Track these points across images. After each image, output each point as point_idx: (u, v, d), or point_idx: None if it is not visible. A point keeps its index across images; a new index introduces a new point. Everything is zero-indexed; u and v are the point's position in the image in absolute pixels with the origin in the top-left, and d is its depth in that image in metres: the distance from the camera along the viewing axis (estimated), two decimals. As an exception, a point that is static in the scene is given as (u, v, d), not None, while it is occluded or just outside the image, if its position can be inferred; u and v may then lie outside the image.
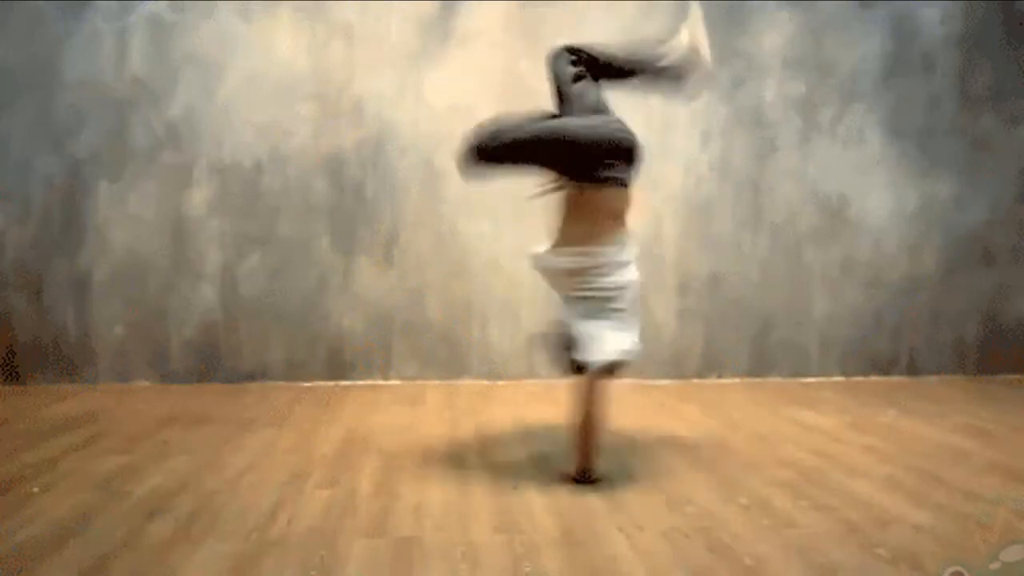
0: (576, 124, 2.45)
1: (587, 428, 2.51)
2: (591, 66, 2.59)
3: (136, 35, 3.94)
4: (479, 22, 4.09)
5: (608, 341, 2.47)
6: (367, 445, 2.93)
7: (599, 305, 2.51)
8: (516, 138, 2.44)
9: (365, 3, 4.03)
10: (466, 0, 4.09)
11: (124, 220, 4.00)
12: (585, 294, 2.51)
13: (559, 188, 2.54)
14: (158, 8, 3.93)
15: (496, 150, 2.46)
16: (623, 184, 2.46)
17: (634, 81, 2.67)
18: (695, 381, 4.32)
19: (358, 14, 4.03)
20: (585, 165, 2.42)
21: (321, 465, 2.67)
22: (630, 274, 2.55)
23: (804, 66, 4.30)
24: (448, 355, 4.21)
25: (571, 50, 2.60)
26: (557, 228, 2.56)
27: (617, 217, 2.49)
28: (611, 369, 2.49)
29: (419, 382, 4.17)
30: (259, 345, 4.11)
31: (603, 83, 2.62)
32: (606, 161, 2.40)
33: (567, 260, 2.52)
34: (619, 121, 2.48)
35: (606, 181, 2.42)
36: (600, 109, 2.54)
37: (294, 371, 4.13)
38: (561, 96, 2.59)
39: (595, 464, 2.52)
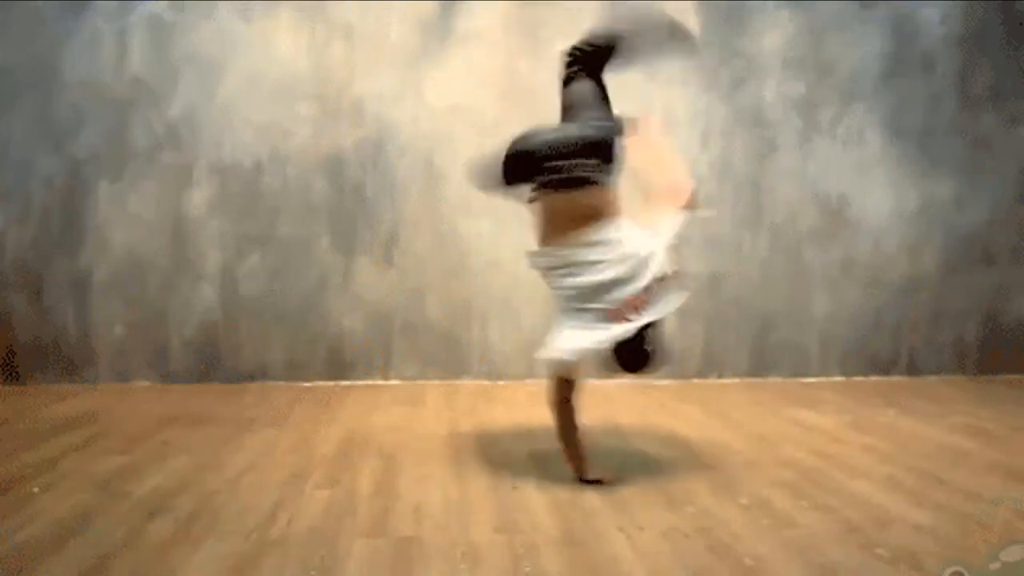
0: (534, 135, 2.49)
1: (558, 431, 2.52)
2: (587, 59, 2.59)
3: (136, 35, 3.94)
4: (479, 22, 4.09)
5: (559, 340, 2.43)
6: (367, 445, 2.93)
7: (564, 304, 2.49)
8: (493, 166, 2.54)
9: (365, 3, 4.03)
10: (466, 0, 4.09)
11: (124, 220, 4.00)
12: (556, 292, 2.52)
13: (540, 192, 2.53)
14: (158, 8, 3.93)
15: (497, 182, 2.56)
16: (590, 183, 2.42)
17: (631, 54, 2.66)
18: (695, 381, 4.32)
19: (358, 14, 4.03)
20: (540, 172, 2.44)
21: (321, 465, 2.67)
22: (609, 272, 2.39)
23: (804, 66, 4.29)
24: (448, 355, 4.21)
25: (573, 49, 2.61)
26: (538, 228, 2.55)
27: (590, 217, 2.42)
28: (561, 367, 2.45)
29: (419, 382, 4.16)
30: (259, 345, 4.11)
31: (606, 68, 2.60)
32: (569, 163, 2.40)
33: (542, 260, 2.54)
34: (600, 118, 2.49)
35: (571, 184, 2.42)
36: (586, 106, 2.53)
37: (294, 371, 4.12)
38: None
39: (584, 467, 2.51)
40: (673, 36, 2.73)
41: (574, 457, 2.52)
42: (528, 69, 4.06)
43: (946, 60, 4.39)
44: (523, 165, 2.47)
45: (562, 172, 2.41)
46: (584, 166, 2.41)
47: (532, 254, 2.58)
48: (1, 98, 3.90)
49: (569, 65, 2.60)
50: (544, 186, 2.45)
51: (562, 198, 2.43)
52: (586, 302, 2.42)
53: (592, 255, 2.40)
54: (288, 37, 4.02)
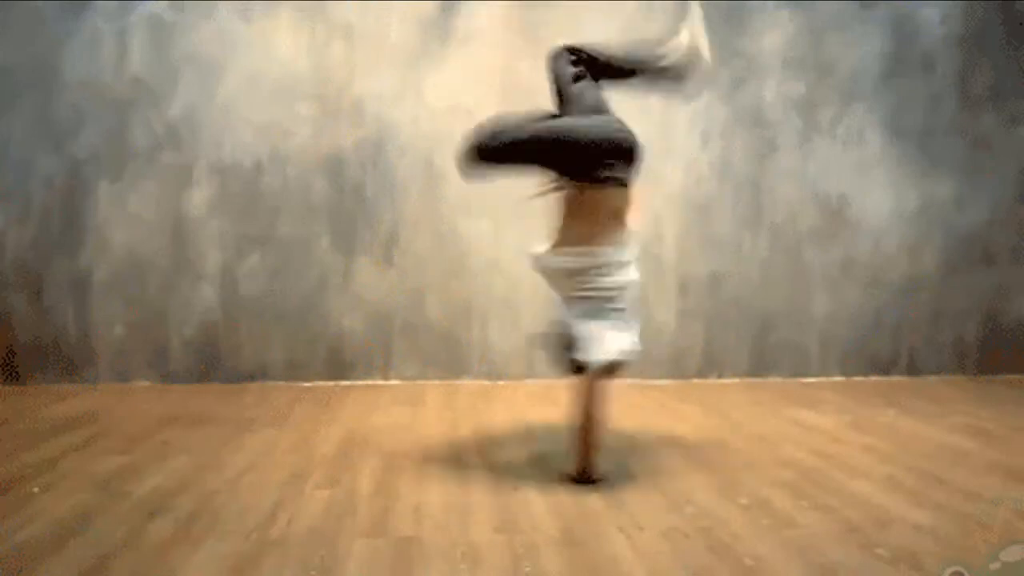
0: (576, 124, 2.46)
1: (587, 429, 2.50)
2: (591, 66, 2.60)
3: (136, 35, 3.94)
4: (479, 22, 4.09)
5: (608, 341, 2.48)
6: (367, 445, 2.93)
7: (599, 305, 2.51)
8: (516, 138, 2.46)
9: (365, 3, 4.03)
10: (466, 0, 4.09)
11: (124, 220, 4.00)
12: (586, 294, 2.51)
13: (559, 188, 2.54)
14: (158, 8, 3.93)
15: (496, 150, 2.48)
16: (623, 184, 2.47)
17: (634, 81, 2.68)
18: (695, 381, 4.32)
19: (358, 14, 4.03)
20: (585, 165, 2.42)
21: (321, 465, 2.67)
22: (630, 274, 2.56)
23: (804, 66, 4.29)
24: (448, 355, 4.21)
25: (571, 50, 2.61)
26: (557, 228, 2.56)
27: (617, 216, 2.49)
28: (611, 369, 2.50)
29: (419, 382, 4.16)
30: (259, 345, 4.11)
31: (603, 83, 2.62)
32: (606, 161, 2.41)
33: (568, 260, 2.52)
34: (619, 121, 2.49)
35: (606, 181, 2.43)
36: (600, 109, 2.55)
37: (294, 371, 4.12)
38: (561, 96, 2.61)
39: (595, 464, 2.52)
40: (682, 77, 2.68)
41: (593, 452, 2.51)
42: (528, 69, 4.05)
43: (946, 60, 4.39)
44: (564, 152, 2.41)
45: (614, 168, 2.42)
46: (620, 166, 2.45)
47: (561, 253, 2.52)
48: (1, 98, 3.90)
49: (574, 64, 2.59)
50: (587, 180, 2.43)
51: (602, 194, 2.45)
52: (619, 302, 2.51)
53: (625, 255, 2.51)
54: (288, 37, 4.02)
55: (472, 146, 2.50)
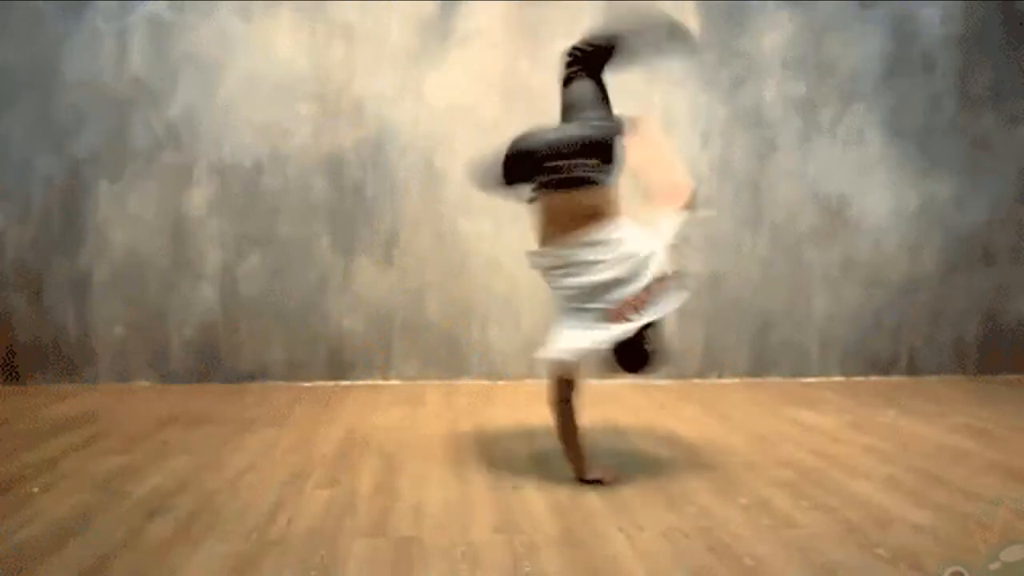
0: (527, 134, 2.50)
1: (558, 431, 2.52)
2: (587, 59, 2.59)
3: (136, 35, 3.94)
4: (479, 22, 4.09)
5: (559, 340, 2.43)
6: (367, 445, 2.93)
7: (564, 304, 2.49)
8: (493, 167, 2.54)
9: (365, 3, 4.03)
10: (466, 0, 4.09)
11: (124, 220, 4.00)
12: (556, 292, 2.52)
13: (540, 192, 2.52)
14: (158, 8, 3.94)
15: (497, 182, 2.56)
16: (590, 183, 2.42)
17: (631, 54, 2.65)
18: (695, 381, 4.32)
19: (358, 14, 4.03)
20: (531, 172, 2.46)
21: (321, 465, 2.67)
22: (608, 272, 2.38)
23: (804, 66, 4.29)
24: (448, 355, 4.21)
25: (573, 49, 2.61)
26: (538, 228, 2.55)
27: (590, 217, 2.42)
28: (564, 368, 2.45)
29: (419, 382, 4.16)
30: (259, 345, 4.11)
31: (606, 69, 2.60)
32: (569, 163, 2.40)
33: (542, 260, 2.54)
34: (600, 118, 2.49)
35: (571, 184, 2.42)
36: (586, 106, 2.53)
37: (294, 371, 4.12)
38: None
39: (584, 467, 2.50)
40: (672, 36, 2.73)
41: (574, 457, 2.52)
42: (528, 69, 4.06)
43: (946, 60, 4.39)
44: (523, 165, 2.47)
45: (562, 172, 2.41)
46: (584, 166, 2.41)
47: (532, 254, 2.58)
48: (1, 98, 3.90)
49: (569, 65, 2.60)
50: (544, 186, 2.46)
51: (562, 198, 2.43)
52: (586, 302, 2.42)
53: (592, 255, 2.40)
54: (288, 37, 4.02)
55: (482, 185, 2.67)
